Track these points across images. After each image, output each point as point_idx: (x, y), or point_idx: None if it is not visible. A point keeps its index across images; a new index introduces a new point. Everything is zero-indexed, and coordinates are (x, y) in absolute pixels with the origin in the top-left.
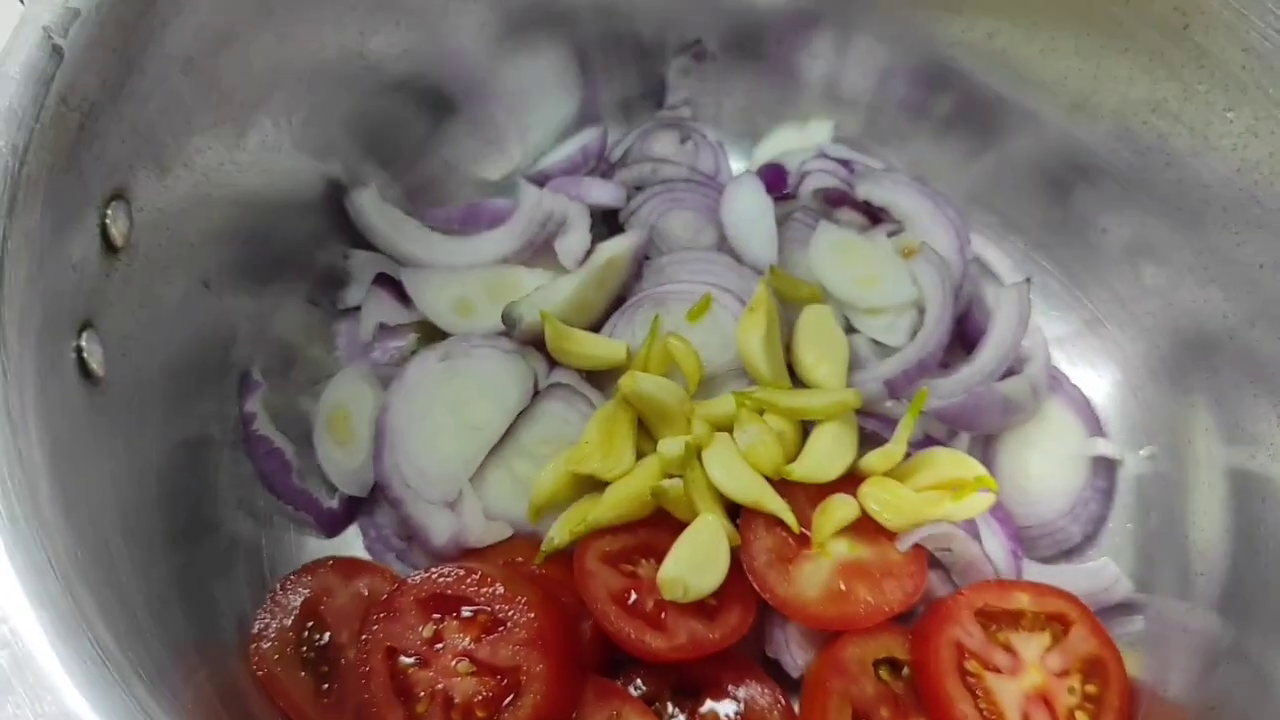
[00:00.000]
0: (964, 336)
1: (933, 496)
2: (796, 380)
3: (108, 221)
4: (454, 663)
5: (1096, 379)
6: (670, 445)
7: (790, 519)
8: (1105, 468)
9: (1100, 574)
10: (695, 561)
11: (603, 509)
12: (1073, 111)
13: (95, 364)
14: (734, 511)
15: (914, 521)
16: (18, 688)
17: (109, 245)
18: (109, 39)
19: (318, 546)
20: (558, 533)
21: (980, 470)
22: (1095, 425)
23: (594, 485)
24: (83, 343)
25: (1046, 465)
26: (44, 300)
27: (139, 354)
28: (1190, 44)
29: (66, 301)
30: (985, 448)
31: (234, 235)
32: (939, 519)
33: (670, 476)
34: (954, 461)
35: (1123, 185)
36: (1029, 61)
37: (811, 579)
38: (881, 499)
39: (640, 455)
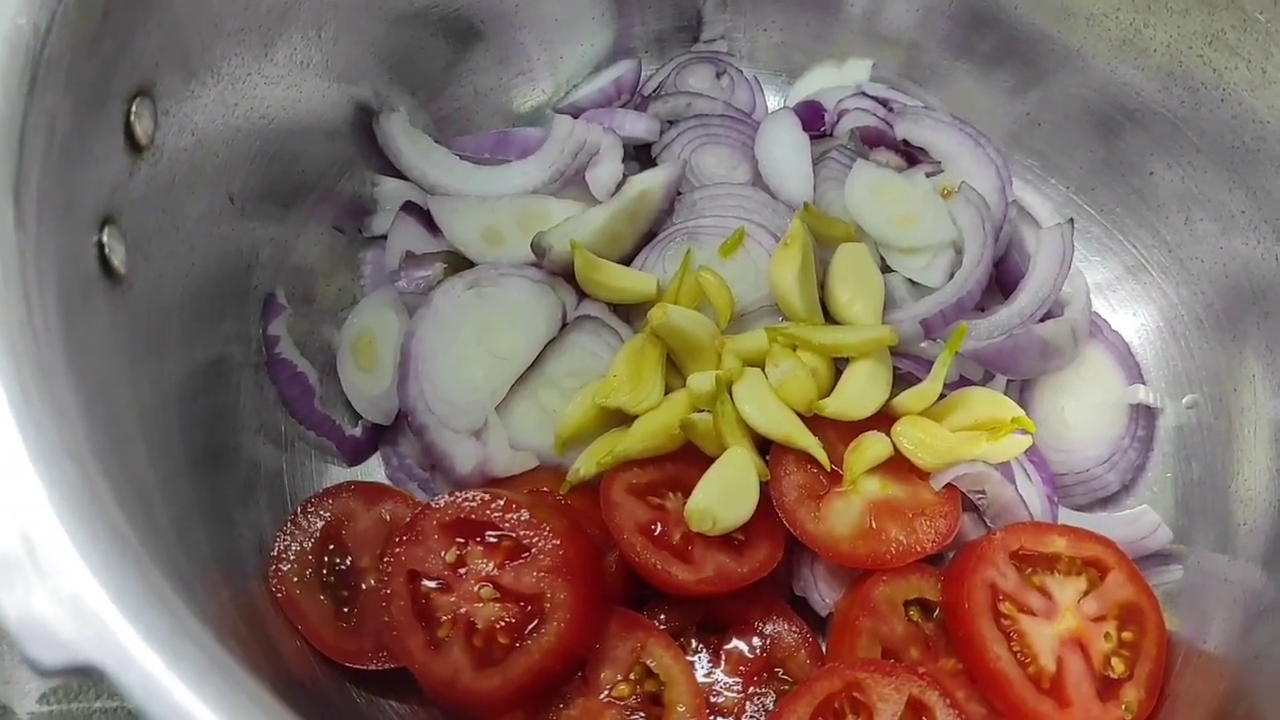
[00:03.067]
0: (1002, 280)
1: (968, 437)
2: (830, 319)
3: (132, 118)
4: (477, 588)
5: (1138, 326)
6: (700, 380)
7: (820, 454)
8: (1145, 416)
9: (1139, 521)
10: (724, 494)
11: (630, 441)
12: (1123, 47)
13: (117, 261)
14: (764, 447)
15: (948, 461)
16: (28, 568)
17: (133, 143)
18: None
19: (339, 474)
20: (584, 464)
21: (1017, 411)
22: (1136, 372)
23: (621, 419)
24: (104, 238)
25: (1084, 412)
26: (65, 188)
27: (161, 260)
28: None
29: (89, 194)
30: (1022, 393)
31: (260, 154)
32: (974, 459)
33: (700, 411)
34: (990, 401)
35: (1173, 125)
36: None
37: (842, 516)
38: (915, 438)
39: (669, 390)
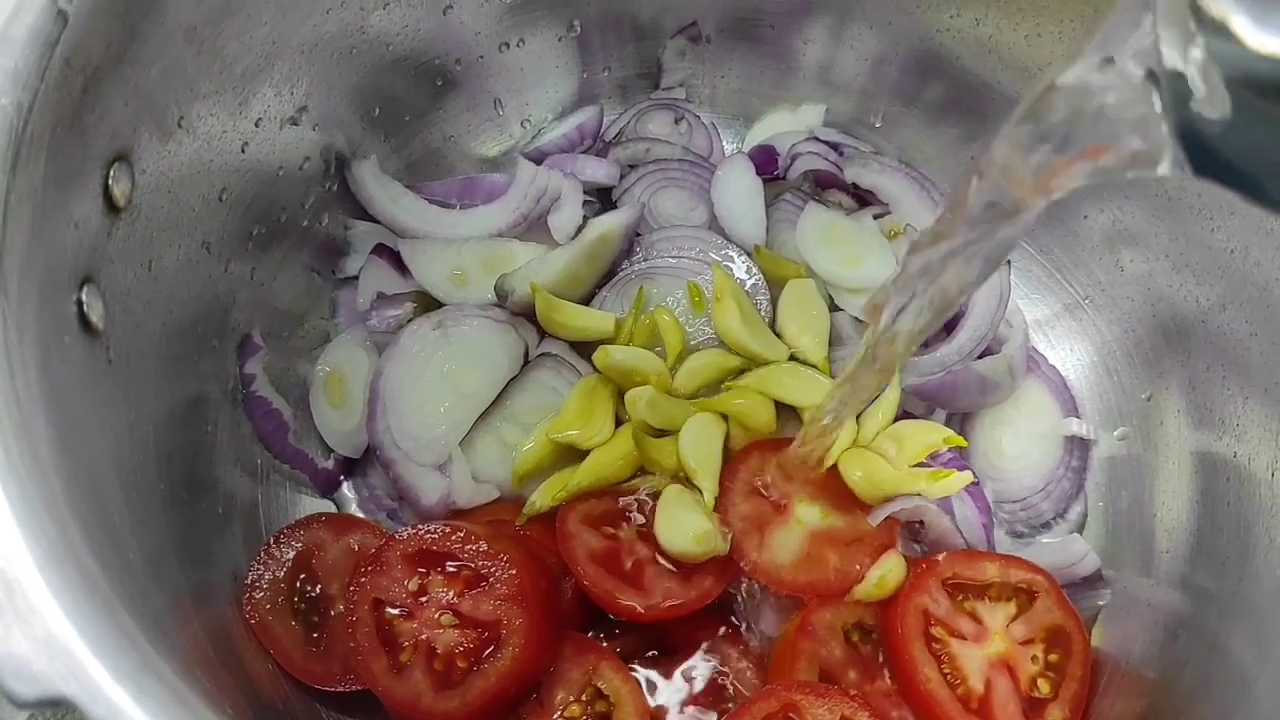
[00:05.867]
0: None
1: (911, 473)
2: None
3: (110, 182)
4: (438, 615)
5: (1074, 361)
6: (636, 394)
7: (705, 489)
8: (1079, 447)
9: (1069, 549)
10: (680, 525)
11: (581, 475)
12: None
13: (95, 317)
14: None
15: (888, 494)
16: (8, 610)
17: (111, 205)
18: (113, 5)
19: (312, 504)
20: (540, 497)
21: (946, 432)
22: (1071, 406)
23: (576, 455)
24: (83, 296)
25: (1021, 443)
26: (46, 253)
27: (139, 311)
28: None
29: (68, 256)
30: (962, 426)
31: (236, 203)
32: (914, 493)
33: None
34: (922, 430)
35: None
36: (1013, 47)
37: (784, 546)
38: (863, 469)
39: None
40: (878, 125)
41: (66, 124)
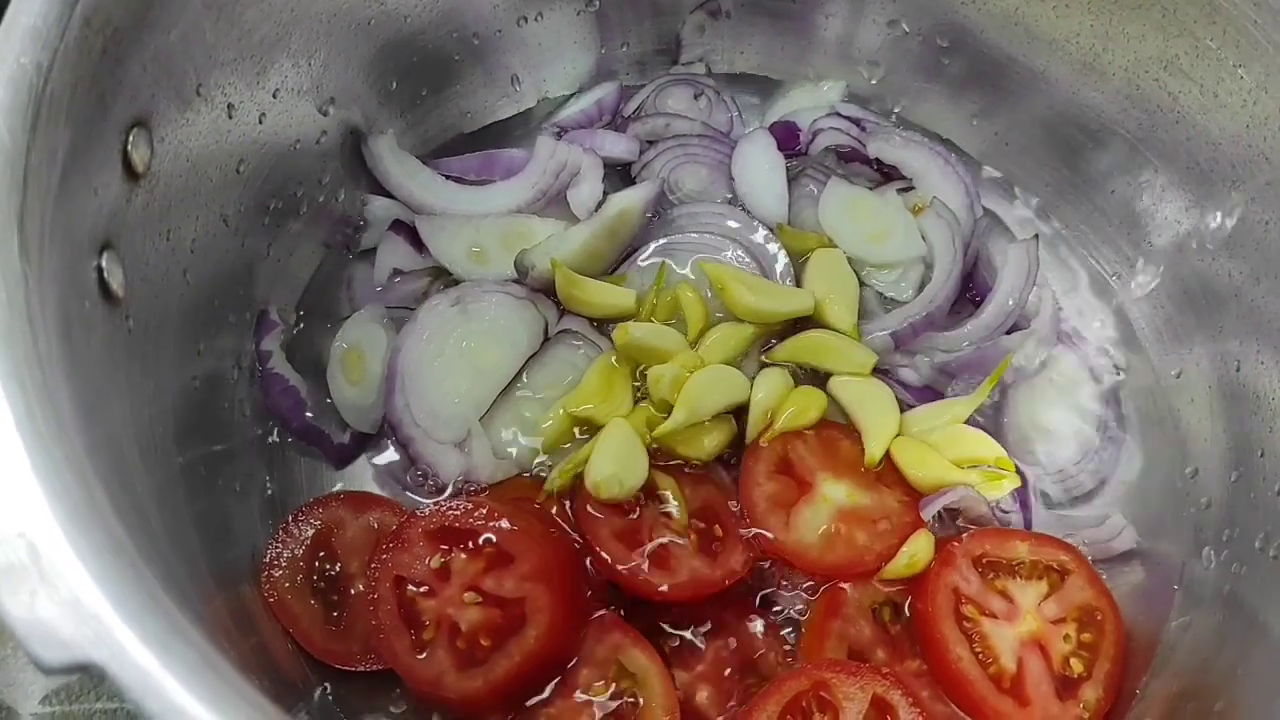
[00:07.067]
0: (972, 292)
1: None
2: (809, 322)
3: (129, 147)
4: (460, 593)
5: (1104, 335)
6: (661, 369)
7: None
8: (1114, 420)
9: (1105, 524)
10: (619, 460)
11: (590, 448)
12: (1083, 71)
13: (115, 285)
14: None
15: (939, 484)
16: (33, 574)
17: (130, 171)
18: None
19: (329, 480)
20: (558, 474)
21: (1000, 452)
22: (1103, 379)
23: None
24: (103, 263)
25: (1055, 417)
26: (66, 216)
27: (158, 282)
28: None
29: (88, 221)
30: (996, 399)
31: (253, 176)
32: (961, 484)
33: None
34: (977, 441)
35: (1132, 145)
36: (1041, 19)
37: (810, 524)
38: (915, 458)
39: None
40: (899, 100)
41: (86, 85)
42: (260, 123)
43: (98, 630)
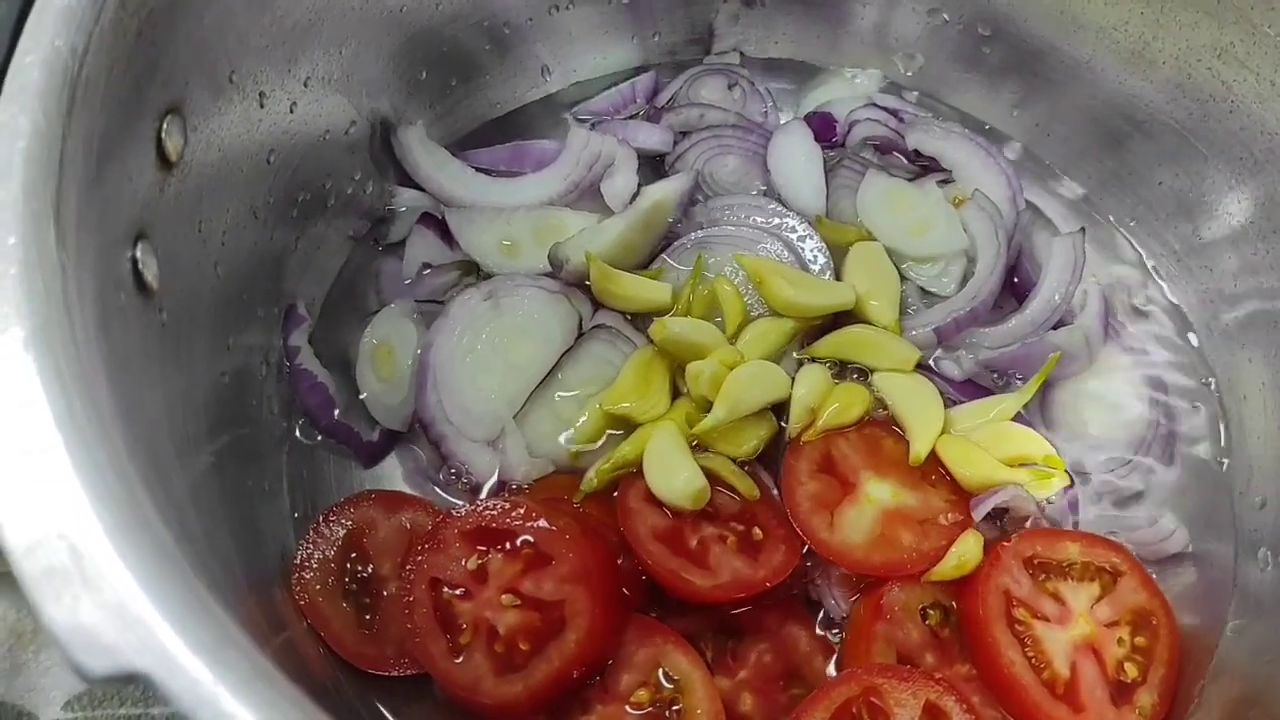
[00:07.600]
0: (1015, 288)
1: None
2: (849, 317)
3: (163, 135)
4: (498, 595)
5: (1153, 331)
6: (700, 364)
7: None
8: (1164, 419)
9: (1157, 525)
10: (670, 473)
11: (629, 447)
12: (1131, 59)
13: (150, 276)
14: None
15: (988, 482)
16: (75, 578)
17: (164, 159)
18: None
19: (358, 478)
20: (595, 474)
21: (1049, 450)
22: (1151, 376)
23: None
24: (138, 253)
25: (1103, 414)
26: (102, 205)
27: (190, 275)
28: None
29: (123, 210)
30: (1042, 396)
31: (283, 167)
32: (1010, 482)
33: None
34: (1025, 438)
35: (1181, 136)
36: (1088, 6)
37: (856, 525)
38: (962, 456)
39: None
40: (938, 89)
41: (121, 70)
42: (291, 112)
43: (143, 637)
